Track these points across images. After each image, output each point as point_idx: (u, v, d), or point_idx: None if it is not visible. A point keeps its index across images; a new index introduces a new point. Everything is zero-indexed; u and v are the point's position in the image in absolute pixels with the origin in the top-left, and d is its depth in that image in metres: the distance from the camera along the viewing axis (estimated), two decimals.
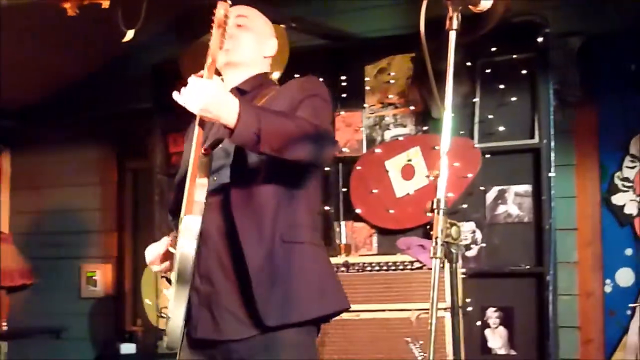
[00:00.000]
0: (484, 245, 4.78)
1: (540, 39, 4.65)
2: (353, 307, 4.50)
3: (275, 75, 4.51)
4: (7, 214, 6.75)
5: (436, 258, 2.08)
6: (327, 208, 5.12)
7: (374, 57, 5.13)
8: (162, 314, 2.63)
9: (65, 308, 6.34)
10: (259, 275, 2.58)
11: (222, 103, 2.42)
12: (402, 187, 4.90)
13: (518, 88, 4.78)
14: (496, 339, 4.71)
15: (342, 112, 5.12)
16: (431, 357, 2.05)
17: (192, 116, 2.53)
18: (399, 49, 5.00)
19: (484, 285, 4.71)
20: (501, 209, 4.79)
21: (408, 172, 4.89)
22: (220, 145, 2.70)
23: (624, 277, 4.76)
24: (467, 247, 4.79)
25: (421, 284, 4.46)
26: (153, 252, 2.81)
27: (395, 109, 5.07)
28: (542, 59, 4.67)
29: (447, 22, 2.20)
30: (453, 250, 2.12)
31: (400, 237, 4.83)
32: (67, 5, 4.04)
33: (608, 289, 4.78)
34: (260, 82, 2.87)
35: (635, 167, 4.76)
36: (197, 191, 2.56)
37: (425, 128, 4.94)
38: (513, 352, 4.68)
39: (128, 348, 5.70)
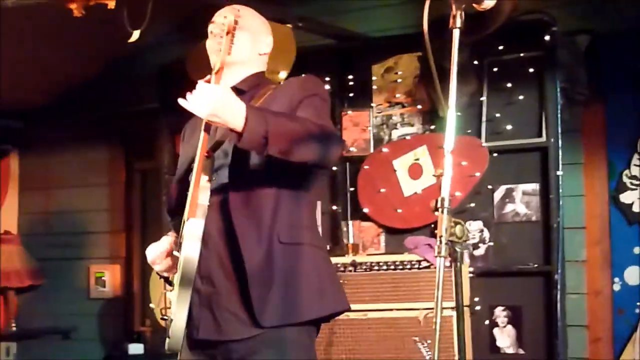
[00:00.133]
0: (491, 244, 4.75)
1: (547, 38, 4.62)
2: (361, 306, 4.60)
3: (282, 75, 4.52)
4: (15, 215, 6.77)
5: (440, 257, 2.09)
6: (334, 207, 5.11)
7: (381, 57, 5.10)
8: (164, 316, 2.65)
9: (74, 309, 6.37)
10: (257, 275, 2.60)
11: (229, 108, 2.43)
12: (409, 186, 4.89)
13: (525, 86, 4.76)
14: (504, 338, 4.69)
15: (350, 112, 5.11)
16: (436, 356, 2.06)
17: (199, 117, 2.55)
18: (406, 48, 4.97)
19: (492, 284, 4.69)
20: (509, 207, 4.76)
21: (415, 171, 4.87)
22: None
23: (633, 275, 4.77)
24: (475, 246, 4.77)
25: (429, 283, 4.45)
26: (154, 251, 2.81)
27: (402, 108, 5.05)
28: (549, 58, 4.65)
29: (451, 21, 2.21)
30: (457, 249, 2.14)
31: (407, 237, 4.82)
32: (73, 6, 4.03)
33: (617, 287, 4.79)
34: (257, 81, 2.88)
35: None
36: (201, 194, 2.57)
37: (432, 127, 4.92)
38: (521, 351, 4.65)
39: (136, 348, 5.71)
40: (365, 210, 5.00)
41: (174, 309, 2.55)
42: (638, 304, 4.74)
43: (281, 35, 4.44)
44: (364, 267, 4.69)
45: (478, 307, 4.61)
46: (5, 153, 6.76)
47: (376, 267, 4.67)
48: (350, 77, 5.15)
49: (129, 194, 6.41)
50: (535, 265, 4.66)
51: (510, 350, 4.68)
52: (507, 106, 4.79)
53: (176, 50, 5.34)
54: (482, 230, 4.78)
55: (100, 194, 6.52)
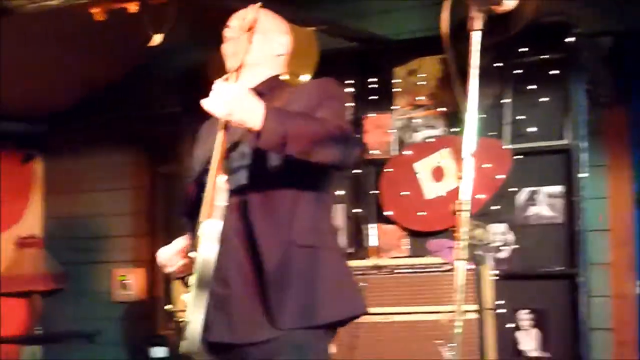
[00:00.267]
0: (515, 247, 4.73)
1: (570, 39, 4.63)
2: (384, 309, 4.61)
3: (305, 79, 4.53)
4: (40, 219, 6.79)
5: (459, 260, 2.12)
6: (357, 211, 5.13)
7: (404, 59, 5.12)
8: (179, 319, 2.65)
9: (98, 312, 6.37)
10: (275, 278, 2.59)
11: (248, 107, 2.42)
12: (432, 189, 4.91)
13: (548, 89, 4.76)
14: (528, 341, 4.68)
15: (372, 115, 5.13)
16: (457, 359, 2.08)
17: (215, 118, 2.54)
18: (429, 50, 4.98)
19: (516, 287, 4.68)
20: (532, 210, 4.76)
21: (438, 173, 4.90)
22: (236, 147, 2.70)
23: None
24: (499, 249, 4.72)
25: (452, 286, 4.41)
26: (166, 254, 2.82)
27: (424, 110, 5.07)
28: (572, 59, 4.66)
29: (470, 23, 2.23)
30: (478, 252, 2.12)
31: (430, 240, 4.84)
32: (95, 11, 4.06)
33: None
34: (274, 84, 2.87)
35: None
36: (218, 195, 2.54)
37: (455, 129, 4.93)
38: (545, 355, 4.65)
39: (159, 352, 5.72)
40: (388, 213, 5.01)
41: (190, 311, 2.52)
42: None
43: (303, 39, 4.46)
44: (387, 270, 4.71)
45: (501, 310, 4.59)
46: (30, 157, 6.77)
47: (399, 270, 4.69)
48: (373, 80, 5.17)
49: (152, 198, 6.42)
50: (560, 268, 4.66)
51: (534, 354, 4.67)
52: (530, 108, 4.80)
53: (199, 54, 5.35)
54: (505, 233, 4.75)
55: (123, 198, 6.52)
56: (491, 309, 4.43)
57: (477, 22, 2.22)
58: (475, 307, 4.06)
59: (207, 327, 2.59)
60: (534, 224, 4.76)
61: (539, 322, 4.68)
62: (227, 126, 2.52)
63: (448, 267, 4.52)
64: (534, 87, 4.77)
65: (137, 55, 5.87)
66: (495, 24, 2.34)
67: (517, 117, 4.81)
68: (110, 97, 6.31)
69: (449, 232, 4.79)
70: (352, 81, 5.04)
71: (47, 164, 6.87)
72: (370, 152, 5.10)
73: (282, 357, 2.60)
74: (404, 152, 5.02)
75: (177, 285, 2.79)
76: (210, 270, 2.49)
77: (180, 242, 2.82)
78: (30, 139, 6.68)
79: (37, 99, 6.12)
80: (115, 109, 6.32)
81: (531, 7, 4.28)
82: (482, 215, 4.60)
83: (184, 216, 2.88)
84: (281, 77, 2.95)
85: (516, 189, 4.79)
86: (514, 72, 4.82)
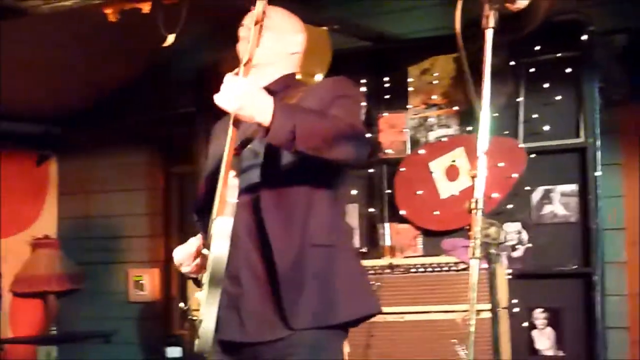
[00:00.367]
0: (530, 245, 4.75)
1: (584, 37, 4.63)
2: (398, 309, 4.61)
3: (318, 78, 4.53)
4: (55, 220, 6.81)
5: (474, 258, 2.08)
6: (371, 210, 5.13)
7: (417, 58, 5.11)
8: (192, 317, 2.60)
9: (113, 312, 6.40)
10: (288, 277, 2.57)
11: (257, 102, 2.40)
12: (446, 188, 4.90)
13: (563, 87, 4.76)
14: (543, 340, 4.69)
15: (386, 114, 5.13)
16: (471, 358, 2.06)
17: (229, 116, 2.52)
18: (442, 49, 4.97)
19: (531, 286, 4.70)
20: (547, 209, 4.76)
21: (452, 173, 4.89)
22: (249, 146, 2.69)
23: None
24: (513, 248, 4.76)
25: (466, 285, 4.38)
26: (181, 253, 2.79)
27: (439, 109, 5.06)
28: (586, 58, 4.66)
29: (484, 21, 2.20)
30: (492, 251, 2.13)
31: (445, 239, 4.84)
32: (108, 11, 4.09)
33: None
34: (288, 82, 2.86)
35: None
36: (229, 192, 2.52)
37: (469, 128, 4.93)
38: (561, 353, 4.65)
39: (174, 351, 5.73)
40: (402, 212, 5.01)
41: (203, 309, 2.49)
42: None
43: (317, 38, 4.46)
44: (401, 269, 4.71)
45: (516, 309, 4.61)
46: (45, 158, 6.78)
47: (413, 270, 4.69)
48: (387, 79, 5.18)
49: (167, 198, 6.45)
50: (574, 267, 4.66)
51: (550, 352, 4.67)
52: (544, 107, 4.80)
53: (213, 54, 5.36)
54: (520, 232, 4.78)
55: (138, 198, 6.55)
56: (505, 308, 4.45)
57: (491, 20, 2.19)
58: (489, 306, 4.06)
59: (219, 326, 2.56)
60: (549, 222, 4.76)
61: (554, 321, 4.67)
62: (237, 121, 2.49)
63: (463, 266, 4.55)
64: (548, 85, 4.77)
65: (151, 56, 5.89)
66: (509, 22, 2.32)
67: (532, 116, 4.81)
68: (125, 98, 6.32)
69: (463, 231, 4.81)
70: (366, 80, 5.06)
71: (62, 165, 6.90)
72: (385, 151, 5.11)
73: (296, 357, 2.58)
74: (418, 152, 5.02)
75: (192, 284, 2.77)
76: (223, 268, 2.46)
77: (196, 241, 2.79)
78: (45, 140, 6.69)
79: (52, 100, 6.14)
80: (130, 110, 6.34)
81: (545, 6, 4.28)
82: (497, 214, 4.61)
83: (196, 214, 2.88)
84: (296, 76, 2.94)
85: (531, 188, 4.79)
86: (528, 70, 4.82)
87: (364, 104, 2.81)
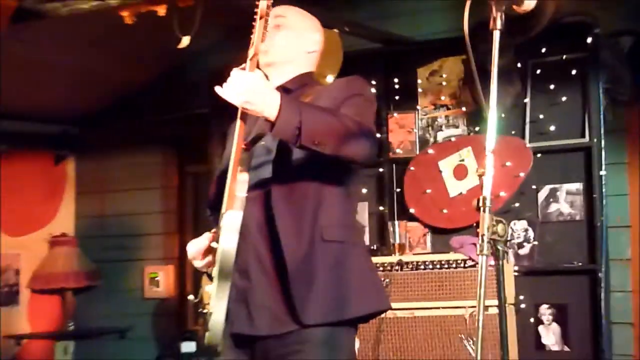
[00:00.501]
0: (536, 243, 4.78)
1: (590, 39, 4.66)
2: (408, 305, 4.64)
3: (330, 79, 4.56)
4: (72, 218, 6.83)
5: (482, 255, 2.08)
6: (381, 208, 5.18)
7: (426, 60, 5.16)
8: (202, 310, 2.59)
9: (129, 308, 6.40)
10: (298, 272, 2.56)
11: (263, 96, 2.39)
12: (455, 187, 4.95)
13: (569, 88, 4.80)
14: (550, 335, 4.72)
15: (395, 114, 5.18)
16: (478, 353, 2.07)
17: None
18: (451, 51, 5.02)
19: (537, 282, 4.73)
20: (553, 207, 4.80)
21: (460, 172, 4.94)
22: (262, 143, 2.69)
23: None
24: (520, 245, 4.80)
25: (474, 282, 4.49)
26: (194, 247, 2.75)
27: (447, 110, 5.11)
28: (592, 59, 4.69)
29: (491, 22, 2.20)
30: (499, 248, 2.12)
31: (453, 236, 4.87)
32: (124, 14, 4.12)
33: None
34: (304, 81, 2.85)
35: None
36: (238, 187, 2.50)
37: (477, 128, 4.97)
38: (567, 349, 4.68)
39: (189, 346, 5.71)
40: (412, 210, 5.06)
41: (213, 302, 2.46)
42: None
43: (328, 40, 4.52)
44: (411, 266, 4.73)
45: (523, 305, 4.64)
46: (62, 158, 6.81)
47: (422, 267, 4.71)
48: (396, 80, 5.23)
49: (181, 197, 6.47)
50: (580, 264, 4.69)
51: (556, 348, 4.70)
52: (550, 107, 4.84)
53: (227, 56, 5.37)
54: (526, 230, 4.82)
55: (154, 197, 6.56)
56: (512, 304, 4.47)
57: (498, 22, 2.20)
58: (496, 302, 4.10)
59: (229, 319, 2.52)
60: (555, 220, 4.80)
61: (560, 317, 4.71)
62: (245, 116, 2.48)
63: (471, 263, 4.58)
64: (554, 86, 4.81)
65: (167, 58, 5.92)
66: (517, 24, 2.36)
67: (538, 116, 4.84)
68: (141, 100, 6.34)
69: (471, 229, 4.85)
70: (376, 82, 5.08)
71: (80, 164, 6.92)
72: (394, 151, 5.16)
73: (306, 352, 2.57)
74: (427, 151, 5.06)
75: (206, 278, 2.73)
76: (231, 261, 2.45)
77: (209, 235, 2.72)
78: (62, 140, 6.71)
79: (69, 101, 6.18)
80: (146, 110, 6.36)
81: (551, 8, 4.32)
82: (504, 213, 4.64)
83: (210, 210, 2.89)
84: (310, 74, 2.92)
85: (537, 187, 4.83)
86: (535, 71, 4.86)
87: (375, 103, 2.81)
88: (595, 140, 4.67)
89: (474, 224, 4.73)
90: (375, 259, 4.44)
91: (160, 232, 6.52)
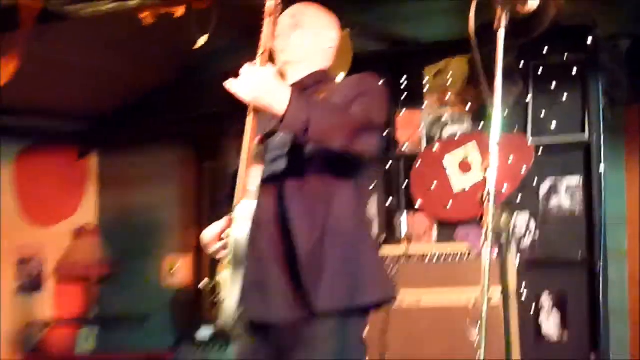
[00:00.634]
0: (537, 235, 4.87)
1: (590, 41, 4.74)
2: (414, 295, 4.72)
3: (340, 77, 4.69)
4: (95, 211, 6.93)
5: (486, 246, 2.14)
6: (389, 202, 5.27)
7: (433, 60, 5.25)
8: (215, 296, 2.63)
9: (149, 297, 6.47)
10: (310, 262, 2.58)
11: (273, 91, 2.42)
12: (459, 182, 5.04)
13: (569, 87, 4.88)
14: (550, 325, 4.80)
15: (403, 112, 5.28)
16: (482, 342, 2.10)
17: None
18: (456, 52, 5.11)
19: (538, 274, 4.81)
20: (554, 201, 4.89)
21: (465, 167, 5.03)
22: (277, 137, 2.73)
23: None
24: (522, 238, 4.88)
25: (478, 272, 4.52)
26: (209, 234, 2.80)
27: (452, 108, 5.20)
28: (592, 60, 4.78)
29: (496, 22, 2.24)
30: (503, 239, 2.19)
31: (458, 228, 5.00)
32: (143, 15, 4.21)
33: None
34: (319, 78, 2.86)
35: None
36: (251, 177, 2.56)
37: (481, 126, 5.04)
38: (566, 337, 4.76)
39: (205, 333, 5.76)
40: (418, 203, 5.16)
41: (227, 289, 2.52)
42: None
43: (340, 38, 4.65)
44: (417, 257, 4.86)
45: (524, 296, 4.74)
46: (86, 153, 6.93)
47: (428, 257, 4.84)
48: (404, 79, 5.32)
49: (199, 191, 6.53)
50: (579, 256, 4.77)
51: (555, 337, 4.80)
52: (551, 106, 4.92)
53: (242, 56, 5.47)
54: (528, 223, 4.91)
55: (172, 191, 6.64)
56: (514, 293, 4.59)
57: (503, 21, 2.24)
58: (499, 292, 4.22)
59: (243, 306, 2.59)
60: (555, 214, 4.88)
61: (560, 307, 4.80)
62: (256, 110, 2.50)
63: (475, 253, 4.71)
64: (555, 85, 4.89)
65: (186, 58, 5.98)
66: (520, 25, 2.40)
67: (540, 114, 4.93)
68: (161, 98, 6.39)
69: (476, 221, 4.97)
70: (384, 81, 5.13)
71: (102, 159, 7.02)
72: (401, 147, 5.27)
73: (314, 340, 2.60)
74: (433, 147, 5.16)
75: (219, 266, 2.76)
76: (244, 249, 2.50)
77: (223, 223, 2.77)
78: (85, 137, 6.82)
79: (93, 99, 6.28)
80: (165, 109, 6.41)
81: (554, 10, 4.45)
82: (507, 206, 4.65)
83: (226, 200, 2.85)
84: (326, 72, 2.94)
85: (538, 182, 4.92)
86: (537, 71, 4.95)
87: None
88: (594, 137, 4.75)
89: (479, 217, 4.81)
90: (383, 250, 4.60)
91: (178, 224, 6.58)
